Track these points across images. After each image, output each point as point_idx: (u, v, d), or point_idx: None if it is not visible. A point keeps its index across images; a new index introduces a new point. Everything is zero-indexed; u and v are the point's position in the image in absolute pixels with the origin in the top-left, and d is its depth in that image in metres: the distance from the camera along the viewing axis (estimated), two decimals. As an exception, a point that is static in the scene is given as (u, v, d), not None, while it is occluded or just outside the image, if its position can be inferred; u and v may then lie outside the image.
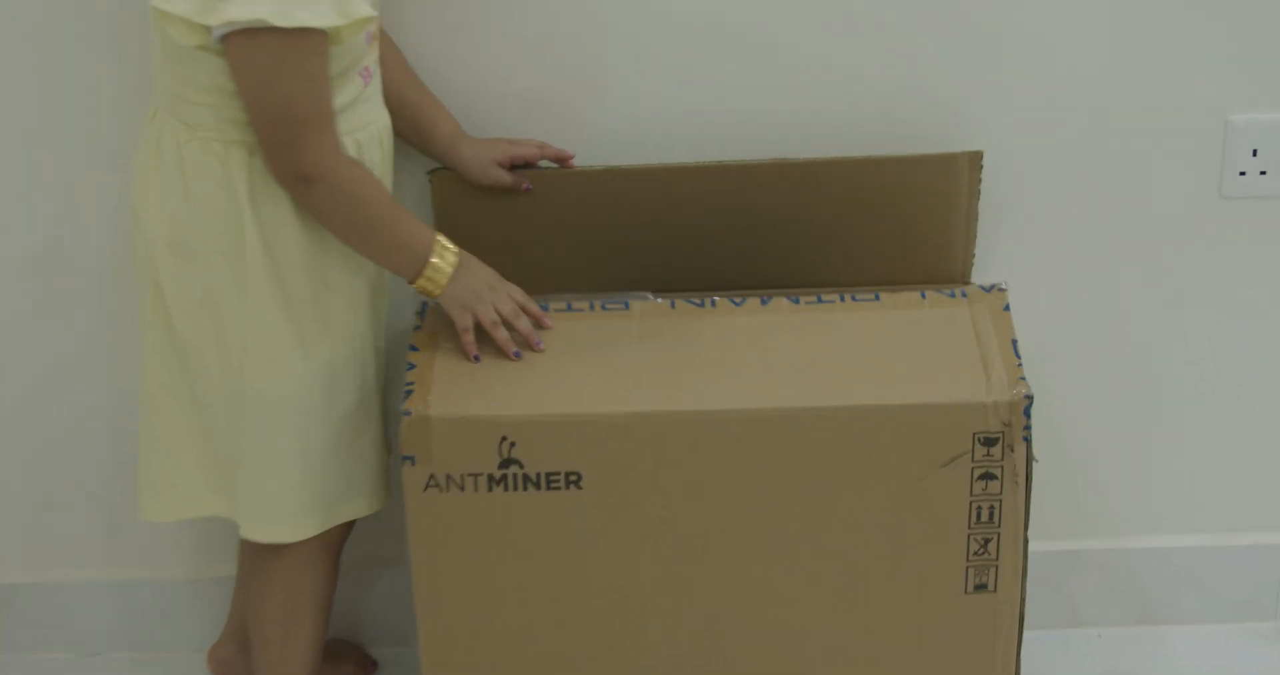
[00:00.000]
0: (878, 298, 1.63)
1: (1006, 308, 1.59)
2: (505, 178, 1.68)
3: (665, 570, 1.57)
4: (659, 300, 1.63)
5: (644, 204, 1.72)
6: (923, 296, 1.63)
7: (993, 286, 1.63)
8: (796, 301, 1.62)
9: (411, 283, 1.53)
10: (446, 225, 1.71)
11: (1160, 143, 1.77)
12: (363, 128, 1.52)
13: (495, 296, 1.55)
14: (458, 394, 1.52)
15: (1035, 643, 1.63)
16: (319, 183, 1.45)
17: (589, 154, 1.72)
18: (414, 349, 1.58)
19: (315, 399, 1.55)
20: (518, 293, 1.58)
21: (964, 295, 1.62)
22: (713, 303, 1.63)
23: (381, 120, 1.57)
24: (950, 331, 1.57)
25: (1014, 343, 1.54)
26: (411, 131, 1.68)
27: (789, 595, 1.58)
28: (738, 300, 1.63)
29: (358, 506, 1.63)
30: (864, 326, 1.59)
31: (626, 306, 1.62)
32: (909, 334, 1.58)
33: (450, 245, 1.54)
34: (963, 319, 1.58)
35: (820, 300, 1.63)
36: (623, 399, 1.52)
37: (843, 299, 1.63)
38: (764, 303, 1.62)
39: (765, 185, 1.71)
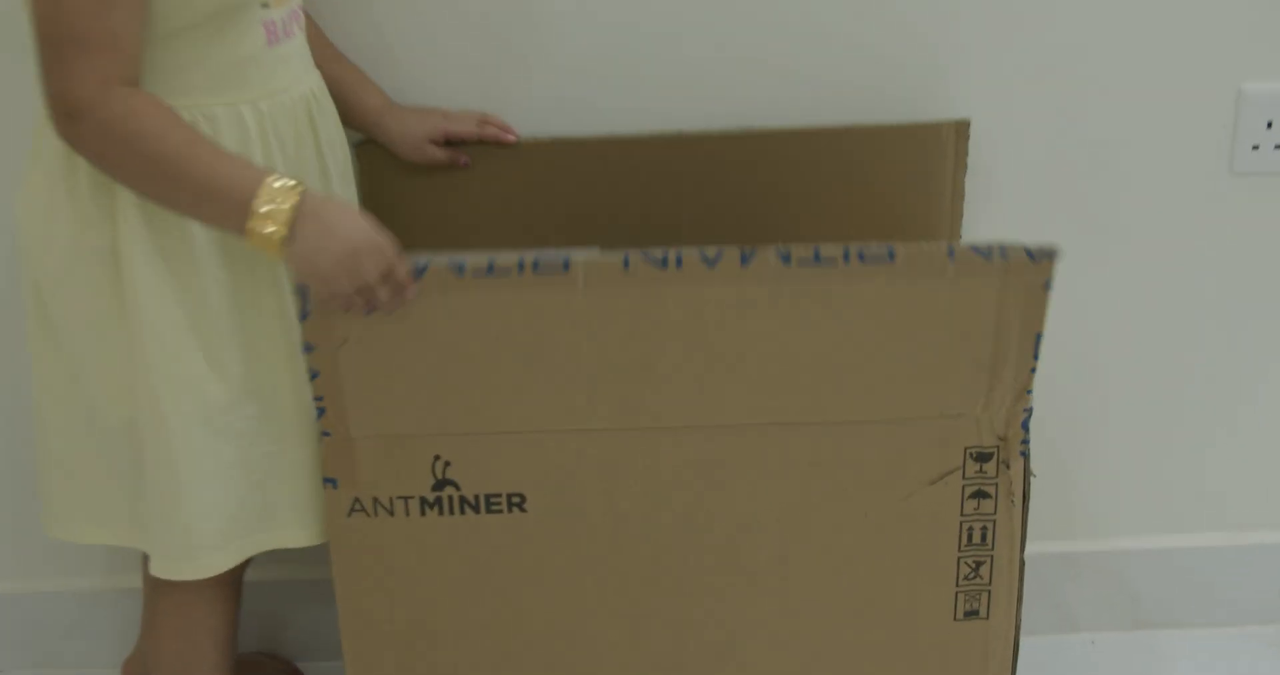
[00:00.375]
0: (892, 256, 1.30)
1: (1048, 285, 1.34)
2: (439, 155, 1.58)
3: (619, 602, 1.42)
4: (607, 257, 1.31)
5: (594, 180, 1.62)
6: (950, 256, 1.31)
7: (1042, 252, 1.32)
8: (787, 261, 1.30)
9: (246, 235, 1.24)
10: (374, 205, 1.58)
11: (1166, 114, 1.66)
12: (268, 96, 1.34)
13: (358, 261, 1.24)
14: (379, 406, 1.34)
15: (1026, 650, 1.53)
16: (81, 119, 1.22)
17: (533, 123, 1.61)
18: (309, 348, 1.32)
19: (221, 421, 1.38)
20: (387, 250, 1.26)
21: (1003, 257, 1.31)
22: (678, 262, 1.30)
23: (299, 89, 1.39)
24: (967, 316, 1.34)
25: (1038, 338, 1.35)
26: (336, 106, 1.53)
27: (759, 627, 1.44)
28: (710, 257, 1.30)
29: (281, 536, 1.45)
30: (863, 306, 1.33)
31: (566, 267, 1.29)
32: (915, 319, 1.34)
33: (291, 184, 1.23)
34: (988, 300, 1.33)
35: (818, 259, 1.30)
36: (572, 412, 1.36)
37: (847, 258, 1.30)
38: (744, 262, 1.30)
39: (728, 158, 1.62)
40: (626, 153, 1.61)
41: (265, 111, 1.34)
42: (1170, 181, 1.70)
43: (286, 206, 1.22)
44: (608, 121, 1.62)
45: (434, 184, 1.61)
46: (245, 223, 1.22)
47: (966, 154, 1.61)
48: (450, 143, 1.59)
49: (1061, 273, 1.65)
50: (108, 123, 1.22)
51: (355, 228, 1.25)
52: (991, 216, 1.68)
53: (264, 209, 1.22)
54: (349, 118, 1.55)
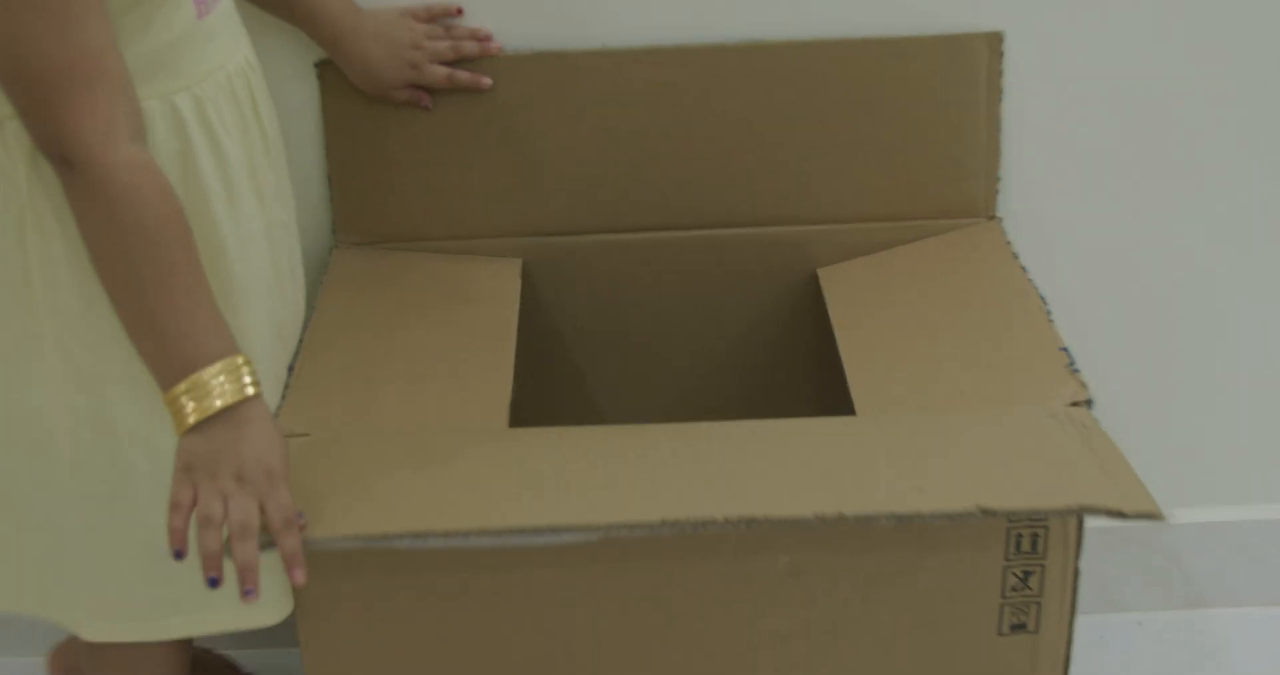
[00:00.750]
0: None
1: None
2: (400, 98, 1.45)
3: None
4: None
5: (587, 99, 1.47)
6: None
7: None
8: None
9: (164, 394, 1.06)
10: (336, 131, 1.46)
11: (1235, 18, 1.47)
12: (206, 77, 1.16)
13: (242, 489, 1.04)
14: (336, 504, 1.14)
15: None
16: (78, 170, 1.03)
17: (518, 34, 1.46)
18: None
19: (145, 467, 1.18)
20: (281, 502, 1.05)
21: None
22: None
23: (235, 61, 1.21)
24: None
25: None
26: (294, 19, 1.40)
27: (785, 640, 1.23)
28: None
29: (238, 617, 1.22)
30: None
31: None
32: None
33: (250, 378, 1.06)
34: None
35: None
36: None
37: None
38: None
39: (735, 75, 1.47)
40: (623, 68, 1.46)
41: (203, 97, 1.16)
42: (1244, 104, 1.53)
43: (229, 400, 1.05)
44: (603, 33, 1.47)
45: (405, 111, 1.47)
46: (178, 380, 1.04)
47: (1000, 73, 1.46)
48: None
49: (1109, 208, 1.57)
50: (99, 186, 1.03)
51: (271, 457, 1.06)
52: (1028, 148, 1.52)
53: (212, 378, 1.05)
54: (307, 29, 1.40)
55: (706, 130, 1.48)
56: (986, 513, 1.08)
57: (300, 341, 1.35)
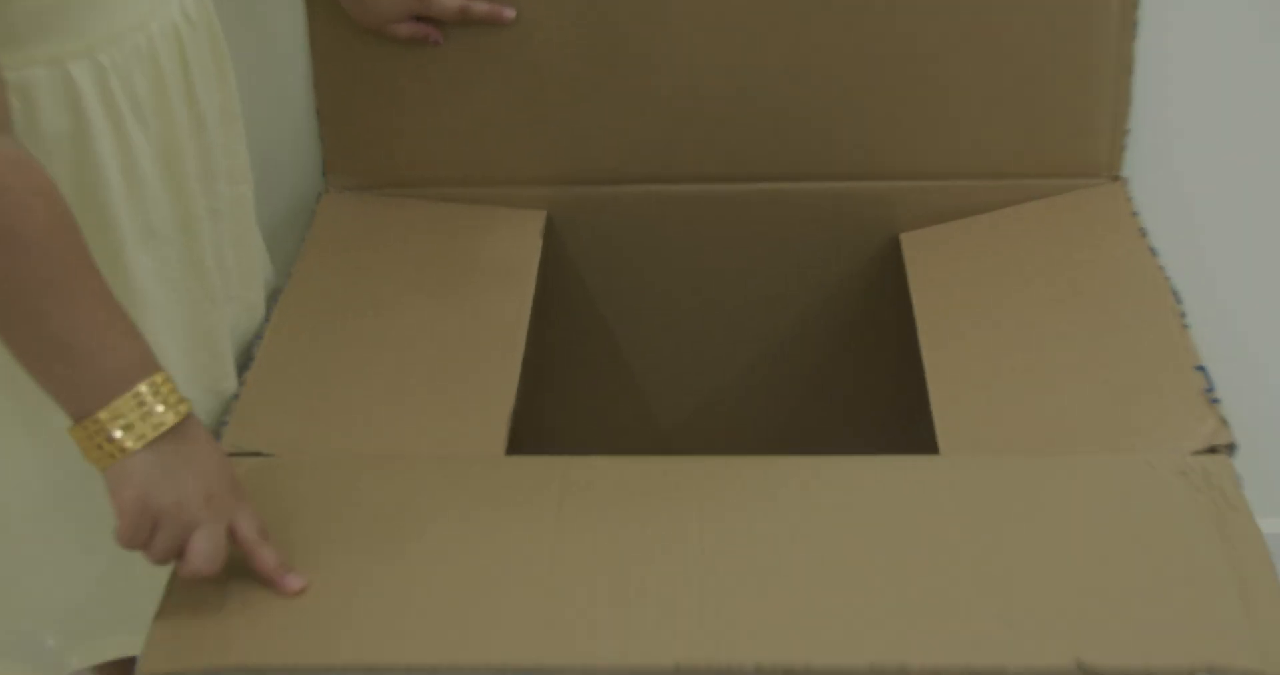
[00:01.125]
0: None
1: None
2: (401, 33, 1.25)
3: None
4: None
5: (623, 23, 1.25)
6: None
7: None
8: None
9: (80, 422, 0.88)
10: (325, 60, 1.27)
11: None
12: (115, 40, 0.93)
13: (211, 514, 0.89)
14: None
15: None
16: None
17: None
18: None
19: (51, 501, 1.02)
20: (250, 512, 0.92)
21: None
22: None
23: (161, 19, 0.97)
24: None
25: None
26: None
27: None
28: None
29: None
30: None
31: None
32: None
33: (178, 392, 0.89)
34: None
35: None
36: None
37: None
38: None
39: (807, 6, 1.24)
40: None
41: (108, 65, 0.93)
42: None
43: (169, 418, 0.88)
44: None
45: (409, 49, 1.27)
46: (97, 408, 0.87)
47: (1136, 3, 1.23)
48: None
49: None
50: None
51: (220, 470, 0.92)
52: (1166, 98, 1.29)
53: (143, 398, 0.87)
54: None
55: (771, 62, 1.26)
56: (1086, 672, 0.83)
57: (266, 322, 1.15)
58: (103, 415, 0.86)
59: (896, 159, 1.29)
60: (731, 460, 1.00)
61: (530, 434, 1.12)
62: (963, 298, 1.19)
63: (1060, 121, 1.27)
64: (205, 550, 0.88)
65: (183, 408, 0.88)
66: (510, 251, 1.25)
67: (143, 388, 0.87)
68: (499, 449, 1.03)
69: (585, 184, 1.31)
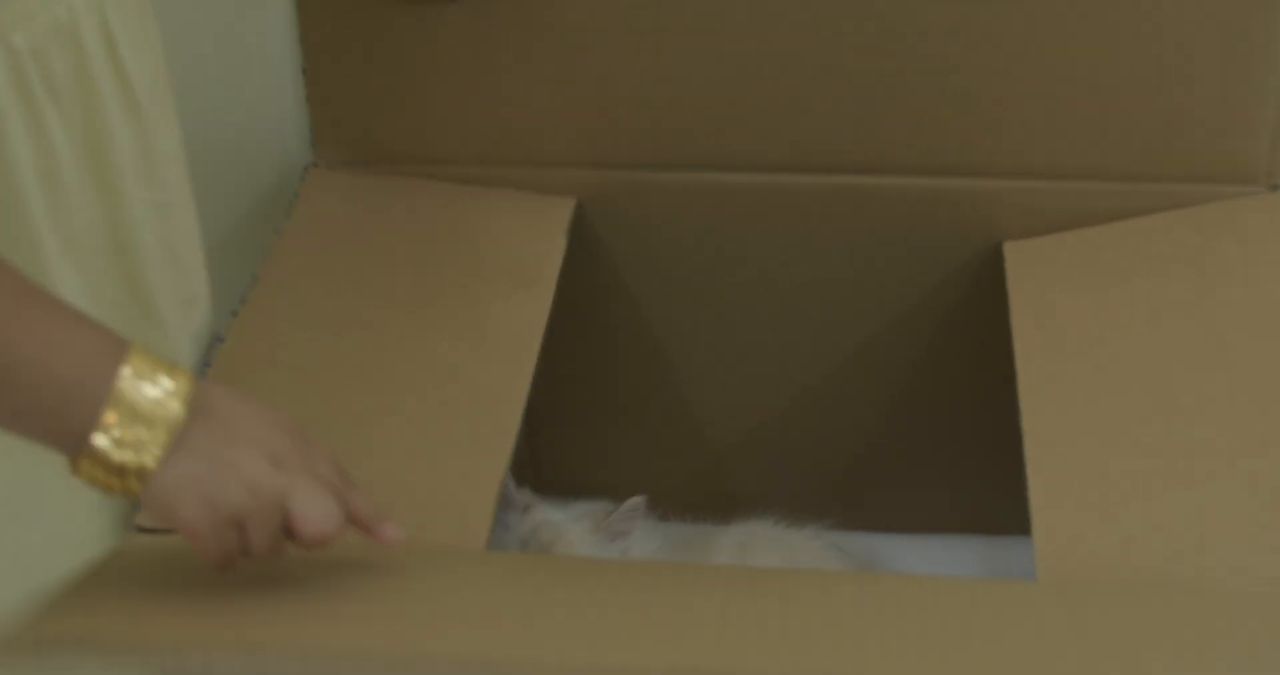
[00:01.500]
0: None
1: None
2: None
3: None
4: None
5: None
6: None
7: None
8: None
9: (73, 463, 0.74)
10: (312, 12, 1.10)
11: None
12: (29, 19, 0.85)
13: (282, 479, 0.78)
14: None
15: None
16: None
17: None
18: None
19: None
20: (330, 459, 0.82)
21: None
22: None
23: None
24: None
25: None
26: None
27: None
28: None
29: None
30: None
31: None
32: None
33: (159, 358, 0.76)
34: None
35: None
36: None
37: None
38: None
39: None
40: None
41: (21, 49, 0.85)
42: None
43: (177, 408, 0.74)
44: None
45: (411, 15, 1.12)
46: (89, 430, 0.73)
47: None
48: None
49: None
50: None
51: (259, 414, 0.80)
52: None
53: (130, 419, 0.74)
54: None
55: (858, 28, 1.09)
56: None
57: (219, 341, 0.98)
58: (100, 442, 0.73)
59: (1002, 152, 1.12)
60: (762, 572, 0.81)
61: (575, 453, 1.12)
62: (1076, 334, 1.00)
63: (1207, 115, 1.09)
64: (313, 515, 0.77)
65: (182, 382, 0.74)
66: (527, 249, 1.08)
67: (123, 381, 0.72)
68: (479, 541, 0.84)
69: (623, 168, 1.15)
